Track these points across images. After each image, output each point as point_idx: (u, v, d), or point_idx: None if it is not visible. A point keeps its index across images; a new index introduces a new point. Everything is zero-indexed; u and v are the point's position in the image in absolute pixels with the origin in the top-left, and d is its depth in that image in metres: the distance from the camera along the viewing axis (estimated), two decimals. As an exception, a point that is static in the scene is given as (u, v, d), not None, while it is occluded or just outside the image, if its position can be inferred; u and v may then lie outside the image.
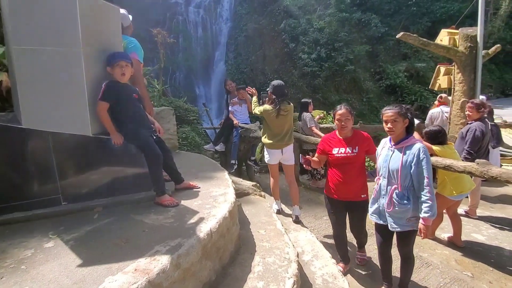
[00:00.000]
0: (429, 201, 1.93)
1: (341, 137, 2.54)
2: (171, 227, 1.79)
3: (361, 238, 2.79)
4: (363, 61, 19.17)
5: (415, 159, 1.97)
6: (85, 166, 2.14)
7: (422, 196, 1.95)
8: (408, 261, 2.24)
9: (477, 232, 3.40)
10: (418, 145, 2.01)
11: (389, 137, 2.17)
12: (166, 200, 2.11)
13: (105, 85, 2.01)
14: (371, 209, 2.30)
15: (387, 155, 2.14)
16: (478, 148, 3.38)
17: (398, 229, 2.10)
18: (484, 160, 2.68)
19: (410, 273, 2.27)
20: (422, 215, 1.96)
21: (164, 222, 1.86)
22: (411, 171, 1.99)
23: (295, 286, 1.78)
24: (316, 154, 2.70)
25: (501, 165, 5.31)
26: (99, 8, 2.10)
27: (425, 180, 1.94)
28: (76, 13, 1.84)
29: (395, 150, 2.09)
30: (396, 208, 2.05)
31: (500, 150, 5.27)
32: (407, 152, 2.01)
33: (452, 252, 3.04)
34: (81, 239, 1.69)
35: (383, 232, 2.26)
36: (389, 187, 2.11)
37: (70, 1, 1.83)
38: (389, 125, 2.06)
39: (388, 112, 2.07)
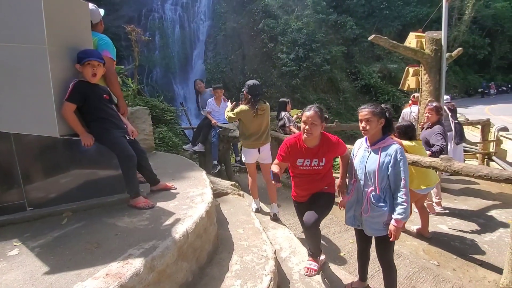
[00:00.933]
0: (404, 203, 1.86)
1: (306, 145, 2.19)
2: (146, 229, 1.75)
3: (314, 238, 2.30)
4: (339, 62, 19.78)
5: (392, 160, 1.88)
6: (53, 169, 2.04)
7: (398, 198, 1.87)
8: (389, 270, 2.09)
9: (442, 223, 3.63)
10: (395, 146, 1.92)
11: (365, 137, 2.07)
12: (140, 202, 2.06)
13: (72, 85, 1.92)
14: (346, 214, 2.19)
15: (363, 157, 2.03)
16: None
17: (375, 234, 2.02)
18: (447, 155, 2.87)
19: (395, 282, 2.12)
20: (395, 216, 1.88)
21: (138, 225, 1.81)
22: (388, 172, 1.90)
23: (272, 282, 1.82)
24: (276, 161, 2.33)
25: (464, 160, 5.72)
26: (66, 3, 2.01)
27: (402, 182, 1.86)
28: (40, 7, 1.75)
29: (372, 151, 1.99)
30: (374, 212, 1.97)
31: (463, 147, 5.67)
32: (384, 153, 1.92)
33: (420, 243, 3.22)
34: (48, 246, 1.61)
35: (360, 235, 2.19)
36: (365, 190, 2.01)
37: (34, -5, 1.74)
38: (363, 124, 1.96)
39: (363, 111, 1.97)
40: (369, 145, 2.03)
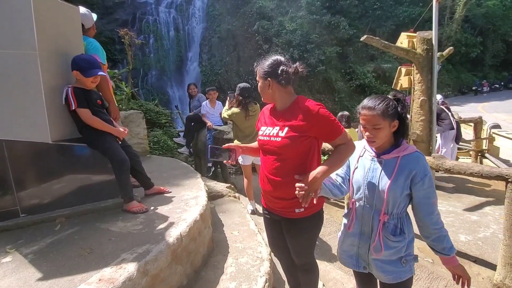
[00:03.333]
0: (442, 230, 1.32)
1: (277, 108, 1.55)
2: (139, 234, 1.75)
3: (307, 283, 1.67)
4: (334, 62, 19.88)
5: (418, 176, 1.29)
6: (46, 175, 2.03)
7: (432, 224, 1.31)
8: None
9: (437, 221, 3.67)
10: (418, 154, 1.33)
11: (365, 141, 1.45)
12: (134, 206, 2.06)
13: (72, 93, 1.92)
14: (341, 249, 1.54)
15: (371, 170, 1.39)
16: None
17: (392, 281, 1.38)
18: (439, 154, 2.91)
19: None
20: (445, 252, 1.32)
21: (132, 229, 1.81)
22: (412, 192, 1.33)
23: (267, 283, 1.82)
24: None
25: (457, 158, 5.79)
26: (57, 8, 2.02)
27: (432, 202, 1.32)
28: (31, 13, 1.76)
29: (384, 162, 1.36)
30: (388, 250, 1.34)
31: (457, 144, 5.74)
32: (403, 164, 1.31)
33: (415, 241, 3.25)
34: (41, 252, 1.60)
35: (365, 280, 1.55)
36: (374, 217, 1.38)
37: (24, 0, 1.74)
38: (367, 133, 1.34)
39: (366, 113, 1.32)
40: (376, 152, 1.40)
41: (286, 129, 1.43)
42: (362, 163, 1.43)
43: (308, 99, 1.48)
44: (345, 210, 1.57)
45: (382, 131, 1.31)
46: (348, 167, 1.52)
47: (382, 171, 1.35)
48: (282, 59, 1.49)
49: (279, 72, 1.45)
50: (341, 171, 1.51)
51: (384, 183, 1.33)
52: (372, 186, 1.37)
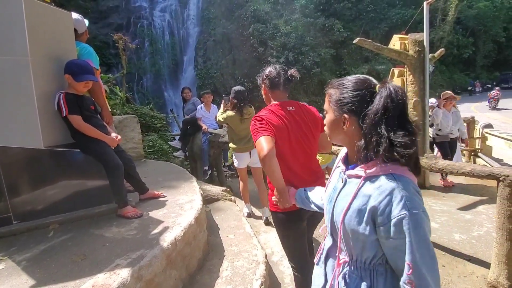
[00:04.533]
0: None
1: None
2: (134, 239, 1.75)
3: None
4: (329, 64, 20.04)
5: (380, 217, 0.78)
6: (39, 182, 2.01)
7: None
8: None
9: (432, 220, 3.70)
10: (389, 183, 0.79)
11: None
12: (128, 211, 2.05)
13: (64, 99, 1.91)
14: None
15: (334, 189, 0.96)
16: None
17: None
18: (432, 154, 2.95)
19: None
20: None
21: (126, 235, 1.81)
22: (375, 237, 0.82)
23: (262, 286, 1.83)
24: None
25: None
26: (49, 14, 2.02)
27: (406, 266, 0.76)
28: (23, 19, 1.76)
29: (347, 179, 0.90)
30: None
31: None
32: (366, 190, 0.82)
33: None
34: (34, 259, 1.59)
35: None
36: (331, 257, 1.01)
37: (16, 7, 1.74)
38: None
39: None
40: (346, 164, 0.95)
41: None
42: (334, 178, 0.99)
43: (267, 106, 1.66)
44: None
45: (327, 119, 0.94)
46: None
47: (341, 192, 0.91)
48: (273, 67, 1.72)
49: (264, 77, 1.73)
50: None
51: (340, 210, 0.89)
52: (329, 212, 0.96)
